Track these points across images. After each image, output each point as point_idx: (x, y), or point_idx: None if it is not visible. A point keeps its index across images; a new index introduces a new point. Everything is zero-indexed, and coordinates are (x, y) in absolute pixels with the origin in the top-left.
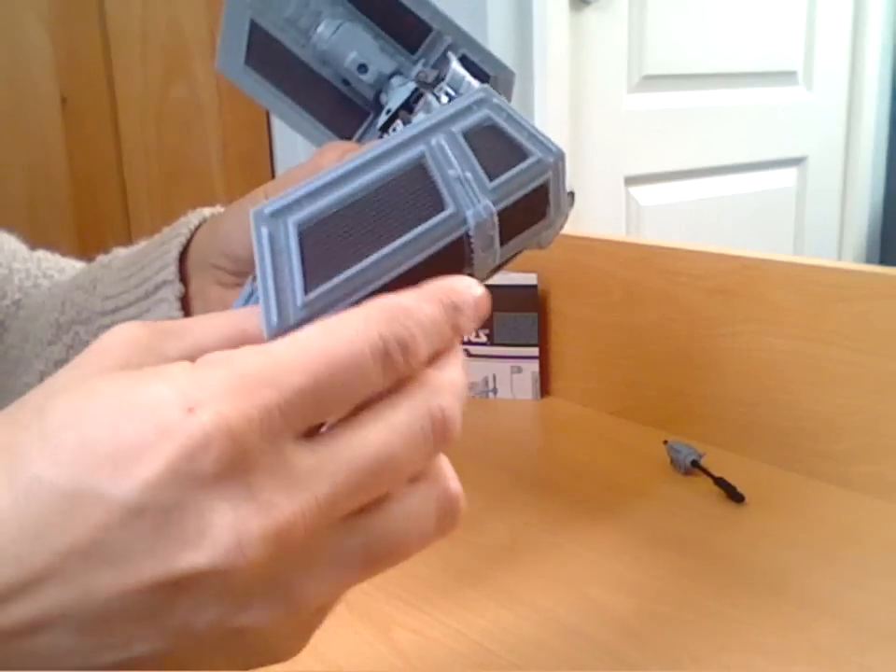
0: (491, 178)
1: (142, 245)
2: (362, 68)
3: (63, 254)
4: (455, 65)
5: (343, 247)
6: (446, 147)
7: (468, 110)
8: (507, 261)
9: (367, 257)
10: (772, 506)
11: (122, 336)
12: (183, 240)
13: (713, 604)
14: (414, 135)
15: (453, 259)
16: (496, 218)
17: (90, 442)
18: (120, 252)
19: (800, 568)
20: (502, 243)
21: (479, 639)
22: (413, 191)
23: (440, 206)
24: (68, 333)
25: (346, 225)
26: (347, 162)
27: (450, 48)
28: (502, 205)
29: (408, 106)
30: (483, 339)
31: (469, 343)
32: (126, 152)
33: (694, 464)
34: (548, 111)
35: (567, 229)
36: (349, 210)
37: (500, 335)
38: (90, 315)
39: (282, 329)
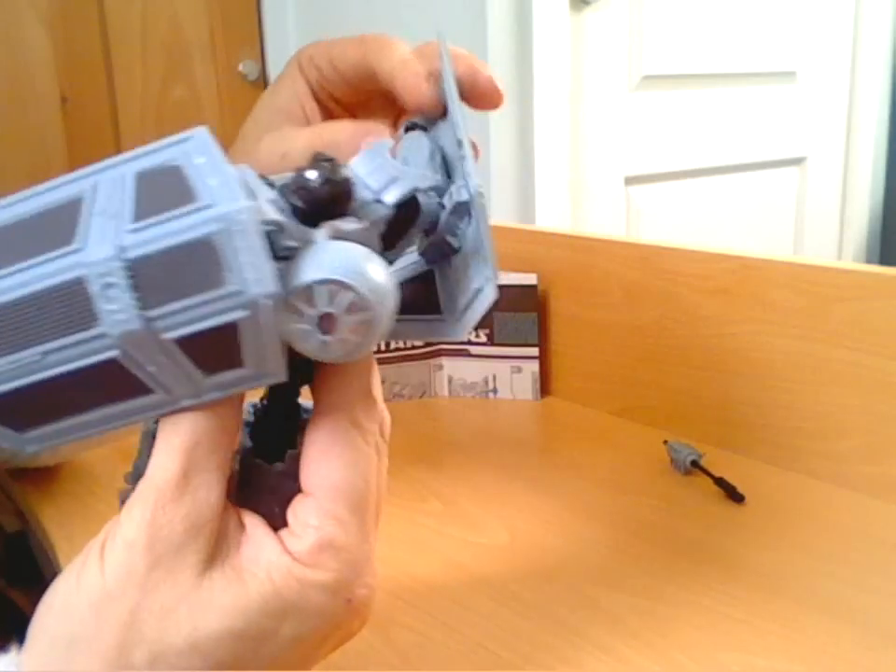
0: (137, 220)
1: None
2: None
3: None
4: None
5: None
6: (106, 187)
7: (159, 150)
8: (222, 361)
9: None
10: (772, 506)
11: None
12: None
13: (713, 604)
14: (88, 172)
15: (72, 306)
16: (118, 263)
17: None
18: None
19: (800, 568)
20: (146, 305)
21: (479, 639)
22: (54, 228)
23: (68, 241)
24: None
25: None
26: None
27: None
28: (138, 252)
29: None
30: (483, 339)
31: (469, 342)
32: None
33: (694, 464)
34: (548, 111)
35: (568, 229)
36: None
37: (500, 335)
38: None
39: None
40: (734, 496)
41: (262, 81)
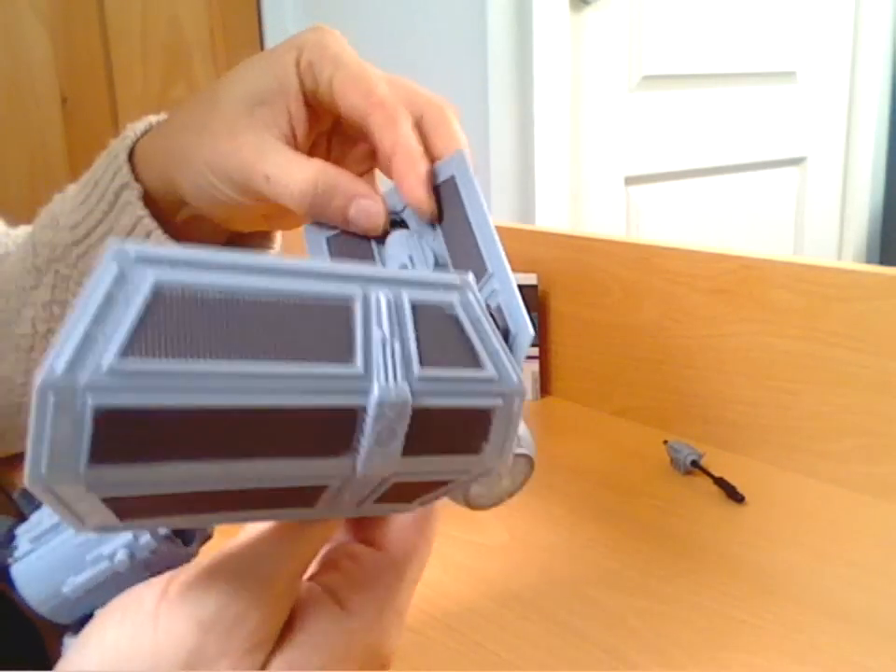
0: (423, 365)
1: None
2: None
3: None
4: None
5: (199, 335)
6: (384, 306)
7: (432, 286)
8: (406, 498)
9: (226, 358)
10: (772, 506)
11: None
12: (129, 143)
13: (713, 604)
14: (356, 275)
15: (334, 431)
16: (408, 409)
17: None
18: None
19: (800, 568)
20: (406, 451)
21: (479, 639)
22: (321, 330)
23: (346, 359)
24: (48, 274)
25: (218, 317)
26: (261, 258)
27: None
28: (424, 402)
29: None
30: None
31: None
32: None
33: (694, 464)
34: (548, 111)
35: (568, 229)
36: (231, 303)
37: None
38: (63, 251)
39: (67, 383)
40: (734, 496)
41: None
